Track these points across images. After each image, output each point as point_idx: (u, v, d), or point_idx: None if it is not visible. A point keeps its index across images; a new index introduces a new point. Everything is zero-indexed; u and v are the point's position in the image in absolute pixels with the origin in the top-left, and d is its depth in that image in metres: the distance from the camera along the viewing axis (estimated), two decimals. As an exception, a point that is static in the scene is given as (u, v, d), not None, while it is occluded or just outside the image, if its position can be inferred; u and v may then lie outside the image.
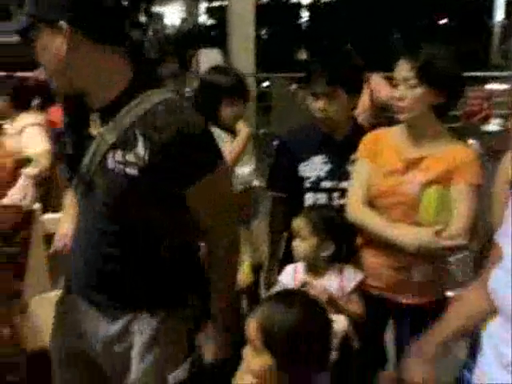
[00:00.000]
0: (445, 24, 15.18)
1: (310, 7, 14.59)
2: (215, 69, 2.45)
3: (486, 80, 9.86)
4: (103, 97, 1.34)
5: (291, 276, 1.89)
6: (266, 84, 9.55)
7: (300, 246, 1.85)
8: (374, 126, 2.14)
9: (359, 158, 1.95)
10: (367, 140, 1.96)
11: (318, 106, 2.00)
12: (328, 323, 1.37)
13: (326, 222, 1.86)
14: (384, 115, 3.61)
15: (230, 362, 1.41)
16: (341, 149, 2.07)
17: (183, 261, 1.46)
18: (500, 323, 1.14)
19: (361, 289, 1.85)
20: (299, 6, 14.39)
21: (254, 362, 1.28)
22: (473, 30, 14.14)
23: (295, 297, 1.38)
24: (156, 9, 18.84)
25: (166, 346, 1.40)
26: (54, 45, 1.27)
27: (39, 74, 4.47)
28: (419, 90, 1.76)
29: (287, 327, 1.26)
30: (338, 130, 2.07)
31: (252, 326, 1.28)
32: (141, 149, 1.27)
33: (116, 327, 1.41)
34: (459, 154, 1.82)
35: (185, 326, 1.43)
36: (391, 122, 2.00)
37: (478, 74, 9.20)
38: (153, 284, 1.41)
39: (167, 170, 1.28)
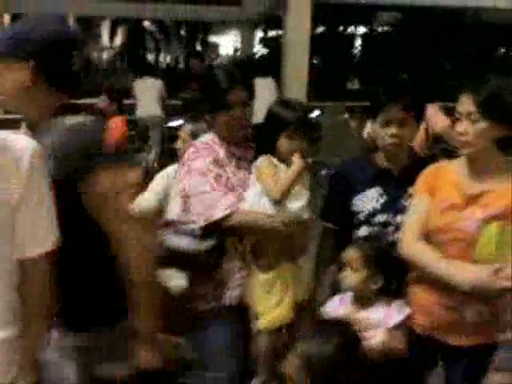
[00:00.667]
0: (503, 54, 14.87)
1: (363, 37, 14.62)
2: (283, 101, 2.43)
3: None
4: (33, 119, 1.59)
5: (337, 306, 1.88)
6: (316, 113, 9.59)
7: (350, 277, 1.84)
8: (431, 158, 2.10)
9: (418, 191, 1.91)
10: (427, 173, 1.92)
11: (389, 131, 1.97)
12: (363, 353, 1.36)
13: (379, 255, 1.84)
14: (438, 147, 3.56)
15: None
16: (397, 181, 2.04)
17: (108, 276, 1.48)
18: None
19: (407, 326, 1.81)
20: (353, 35, 14.45)
21: None
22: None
23: (332, 328, 1.38)
24: (212, 39, 19.36)
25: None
26: (14, 77, 1.51)
27: None
28: (482, 125, 1.71)
29: (326, 360, 1.26)
30: (397, 161, 2.05)
31: (292, 364, 1.29)
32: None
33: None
34: None
35: (120, 340, 1.48)
36: (446, 153, 1.97)
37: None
38: (83, 302, 1.49)
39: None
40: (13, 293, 1.32)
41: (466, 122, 1.74)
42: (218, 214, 1.96)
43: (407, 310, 1.81)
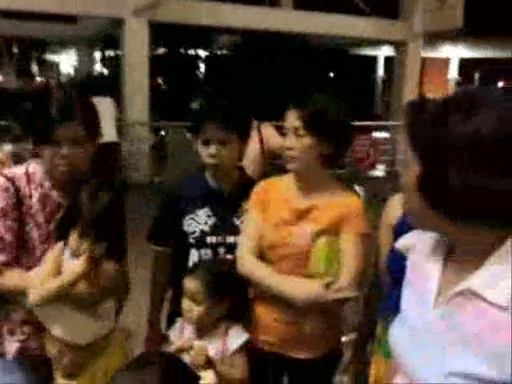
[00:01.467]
0: (332, 78, 16.20)
1: (206, 59, 14.96)
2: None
3: (369, 129, 10.61)
4: None
5: (178, 334, 1.79)
6: (162, 133, 9.55)
7: (193, 310, 1.73)
8: (265, 175, 2.11)
9: (250, 208, 1.89)
10: (257, 190, 1.89)
11: (209, 151, 1.91)
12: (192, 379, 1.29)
13: (222, 281, 1.75)
14: (276, 163, 3.69)
15: None
16: (226, 201, 1.98)
17: None
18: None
19: (248, 348, 1.76)
20: (196, 57, 14.71)
21: None
22: (357, 83, 15.17)
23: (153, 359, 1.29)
24: (50, 57, 18.38)
25: None
26: None
27: None
28: (308, 140, 1.74)
29: None
30: (225, 180, 1.99)
31: None
32: None
33: None
34: (346, 204, 1.80)
35: None
36: (283, 169, 1.98)
37: (364, 123, 9.90)
38: None
39: None
40: None
41: (292, 137, 1.78)
42: None
43: (245, 335, 1.74)
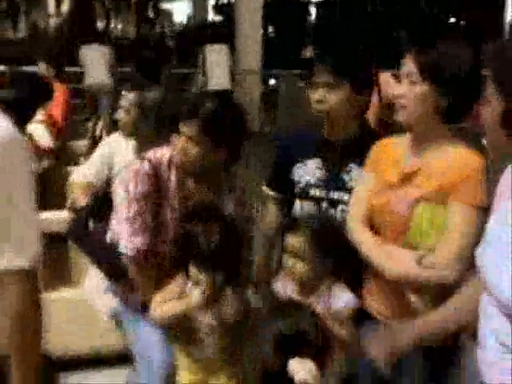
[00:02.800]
0: (456, 23, 15.02)
1: (318, 5, 14.47)
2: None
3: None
4: None
5: (283, 287, 1.77)
6: (272, 82, 9.49)
7: (296, 267, 1.69)
8: (386, 130, 1.96)
9: (364, 169, 1.77)
10: (373, 149, 1.74)
11: (315, 96, 1.82)
12: None
13: (324, 238, 1.70)
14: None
15: None
16: (339, 154, 1.87)
17: None
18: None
19: (359, 309, 1.70)
20: (308, 3, 14.28)
21: None
22: (485, 29, 13.98)
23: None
24: (165, 5, 18.81)
25: None
26: None
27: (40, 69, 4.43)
28: (422, 88, 1.57)
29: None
30: (340, 131, 1.88)
31: None
32: None
33: None
34: (461, 167, 1.58)
35: None
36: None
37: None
38: None
39: None
40: None
41: (405, 83, 1.62)
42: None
43: (350, 298, 1.69)
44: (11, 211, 1.09)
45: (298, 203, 1.91)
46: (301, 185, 1.90)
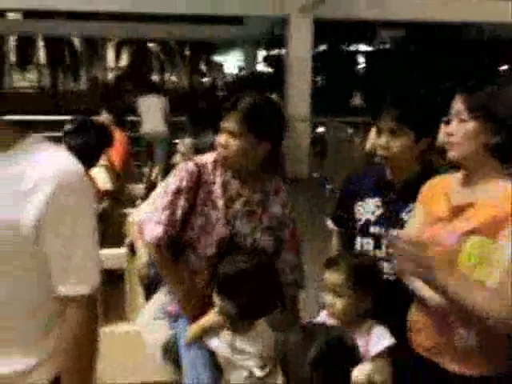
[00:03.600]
0: (506, 71, 14.90)
1: (366, 54, 14.72)
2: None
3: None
4: None
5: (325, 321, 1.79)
6: (321, 129, 9.62)
7: (336, 304, 1.71)
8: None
9: (417, 203, 1.81)
10: (427, 185, 1.84)
11: (380, 142, 1.92)
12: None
13: (365, 275, 1.73)
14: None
15: None
16: (400, 194, 1.95)
17: None
18: None
19: (405, 348, 1.68)
20: (356, 52, 14.55)
21: None
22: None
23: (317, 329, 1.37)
24: (216, 58, 19.53)
25: None
26: None
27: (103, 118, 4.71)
28: (471, 125, 1.61)
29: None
30: (401, 173, 1.96)
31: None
32: None
33: None
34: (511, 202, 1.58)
35: None
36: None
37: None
38: None
39: None
40: (29, 325, 1.23)
41: (455, 122, 1.67)
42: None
43: (389, 339, 1.68)
44: (76, 244, 1.21)
45: (358, 240, 1.97)
46: (361, 222, 1.98)
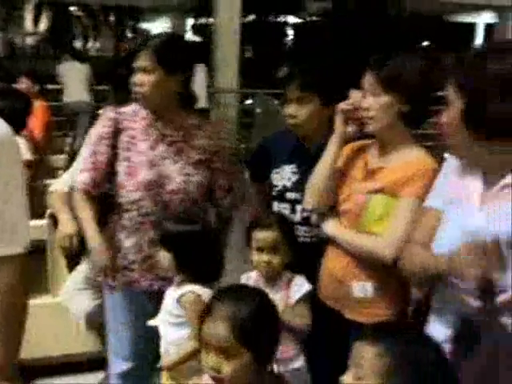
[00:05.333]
0: (426, 46, 15.51)
1: (295, 26, 14.79)
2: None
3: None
4: None
5: (247, 281, 1.87)
6: (249, 102, 9.65)
7: (263, 260, 1.82)
8: (358, 138, 2.13)
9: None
10: (345, 149, 1.92)
11: (288, 111, 1.98)
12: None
13: (290, 235, 1.85)
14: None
15: None
16: (313, 160, 2.00)
17: None
18: None
19: (312, 300, 1.83)
20: (284, 24, 14.58)
21: (228, 367, 1.24)
22: (454, 52, 14.42)
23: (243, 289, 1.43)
24: (143, 26, 18.96)
25: None
26: None
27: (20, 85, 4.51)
28: (385, 99, 1.74)
29: (256, 317, 1.26)
30: (311, 139, 2.04)
31: (221, 330, 1.24)
32: None
33: None
34: (416, 165, 1.77)
35: None
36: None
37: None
38: None
39: None
40: None
41: (369, 97, 1.78)
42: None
43: (307, 286, 1.82)
44: (6, 201, 1.19)
45: (275, 205, 2.07)
46: (278, 188, 2.05)
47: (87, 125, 6.79)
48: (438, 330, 1.43)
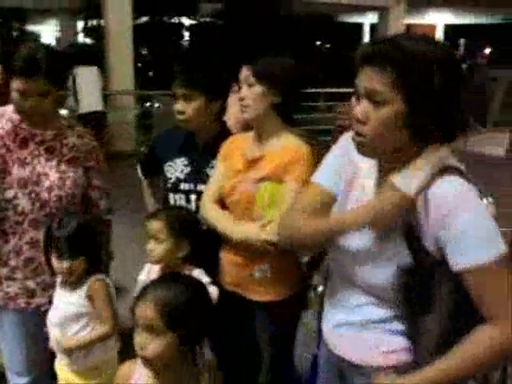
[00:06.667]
0: (321, 46, 16.16)
1: (190, 28, 14.82)
2: None
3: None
4: None
5: (146, 278, 1.93)
6: (147, 103, 9.58)
7: (156, 249, 1.87)
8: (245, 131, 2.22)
9: (217, 160, 2.07)
10: (224, 144, 2.07)
11: (177, 107, 2.07)
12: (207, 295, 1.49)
13: (182, 223, 1.90)
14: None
15: None
16: (202, 152, 2.14)
17: None
18: None
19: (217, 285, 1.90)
20: (178, 25, 14.55)
21: (152, 345, 1.35)
22: (344, 50, 15.15)
23: (177, 276, 1.50)
24: (31, 28, 18.06)
25: None
26: None
27: None
28: (257, 89, 1.89)
29: (183, 303, 1.36)
30: (200, 133, 2.14)
31: (149, 311, 1.34)
32: None
33: None
34: (292, 151, 1.89)
35: None
36: None
37: (349, 90, 9.94)
38: None
39: None
40: None
41: (244, 87, 1.93)
42: None
43: (205, 278, 1.86)
44: None
45: (171, 196, 2.15)
46: (171, 180, 2.13)
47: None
48: None
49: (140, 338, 1.37)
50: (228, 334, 2.06)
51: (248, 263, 1.93)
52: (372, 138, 1.23)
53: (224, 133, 2.19)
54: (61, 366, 1.93)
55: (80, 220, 1.85)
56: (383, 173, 1.31)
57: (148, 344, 1.36)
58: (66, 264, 1.81)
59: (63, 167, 1.97)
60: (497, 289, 1.20)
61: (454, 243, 1.20)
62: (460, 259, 1.20)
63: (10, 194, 1.90)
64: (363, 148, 1.27)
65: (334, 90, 8.89)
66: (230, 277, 2.00)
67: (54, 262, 1.83)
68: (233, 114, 3.42)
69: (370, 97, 1.21)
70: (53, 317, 1.89)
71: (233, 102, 2.48)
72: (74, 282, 1.86)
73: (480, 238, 1.20)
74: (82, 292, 1.86)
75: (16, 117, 1.95)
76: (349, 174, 1.41)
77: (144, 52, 13.64)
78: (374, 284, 1.32)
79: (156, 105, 9.57)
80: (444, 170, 1.23)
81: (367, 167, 1.37)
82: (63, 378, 1.93)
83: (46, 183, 1.92)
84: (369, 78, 1.20)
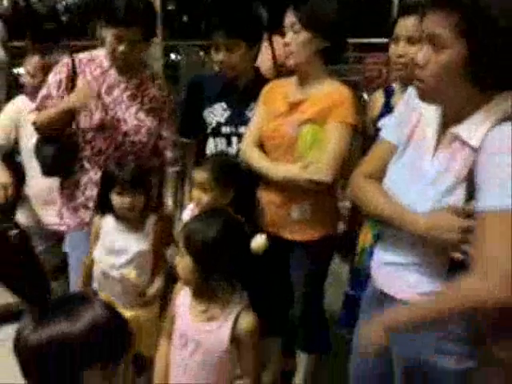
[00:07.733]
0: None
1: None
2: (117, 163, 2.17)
3: (384, 47, 10.35)
4: None
5: (192, 213, 2.01)
6: (173, 54, 9.46)
7: (203, 198, 1.97)
8: (276, 77, 2.24)
9: (257, 104, 2.10)
10: (265, 88, 2.09)
11: (218, 58, 2.11)
12: (244, 237, 1.56)
13: (227, 173, 1.99)
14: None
15: None
16: (241, 96, 2.19)
17: None
18: None
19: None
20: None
21: (179, 263, 1.57)
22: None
23: (217, 213, 1.57)
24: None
25: None
26: None
27: None
28: (304, 35, 1.90)
29: (206, 237, 1.49)
30: (240, 78, 2.19)
31: (180, 236, 1.52)
32: None
33: None
34: (335, 94, 1.94)
35: None
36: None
37: (378, 40, 9.64)
38: None
39: None
40: None
41: (290, 33, 1.92)
42: None
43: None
44: None
45: (211, 141, 2.20)
46: (212, 125, 2.18)
47: (5, 86, 6.51)
48: None
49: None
50: (262, 273, 2.12)
51: (286, 202, 1.98)
52: (431, 83, 1.22)
53: (260, 77, 2.23)
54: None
55: (138, 163, 2.04)
56: (445, 122, 1.31)
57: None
58: (127, 199, 1.90)
59: (141, 116, 2.09)
60: (498, 238, 1.16)
61: (483, 183, 1.18)
62: (481, 202, 1.19)
63: (88, 136, 2.09)
64: (423, 94, 1.27)
65: (362, 40, 8.66)
66: (269, 216, 2.04)
67: (116, 198, 1.92)
68: (264, 62, 3.42)
69: (431, 41, 1.20)
70: (119, 259, 1.97)
71: (264, 49, 2.49)
72: (133, 219, 1.95)
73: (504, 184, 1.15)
74: (143, 231, 1.95)
75: (106, 63, 2.07)
76: (412, 122, 1.42)
77: (171, 3, 13.40)
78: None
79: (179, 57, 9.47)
80: (505, 119, 1.20)
81: (430, 115, 1.35)
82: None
83: (124, 128, 2.04)
84: (431, 22, 1.20)
